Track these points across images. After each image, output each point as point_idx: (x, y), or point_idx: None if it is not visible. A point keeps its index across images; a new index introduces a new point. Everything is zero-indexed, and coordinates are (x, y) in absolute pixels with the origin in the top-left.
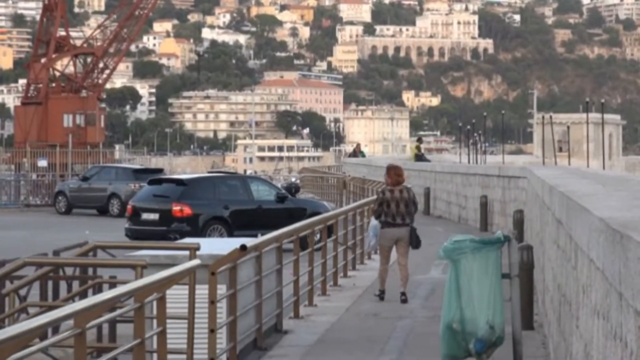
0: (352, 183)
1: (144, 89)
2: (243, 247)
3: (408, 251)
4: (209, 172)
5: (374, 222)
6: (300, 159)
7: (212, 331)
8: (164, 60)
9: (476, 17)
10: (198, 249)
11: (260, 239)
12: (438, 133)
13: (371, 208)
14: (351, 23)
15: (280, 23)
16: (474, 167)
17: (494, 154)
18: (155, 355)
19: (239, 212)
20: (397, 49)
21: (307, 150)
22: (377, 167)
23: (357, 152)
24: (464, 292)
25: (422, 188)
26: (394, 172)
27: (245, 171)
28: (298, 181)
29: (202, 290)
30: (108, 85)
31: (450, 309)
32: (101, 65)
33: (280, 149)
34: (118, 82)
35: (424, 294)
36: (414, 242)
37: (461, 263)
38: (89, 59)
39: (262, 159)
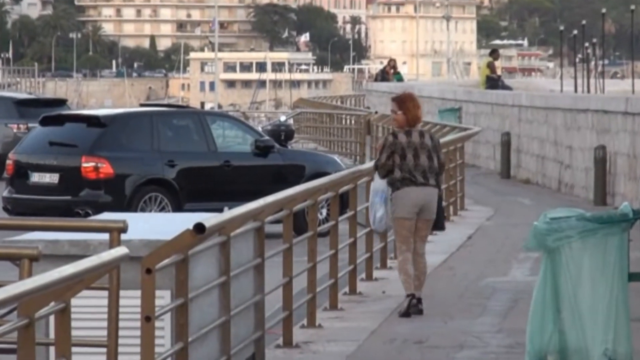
0: (380, 125)
1: None
2: (199, 229)
3: (429, 232)
4: (142, 106)
5: (378, 184)
6: (295, 84)
7: None
8: None
9: None
10: (124, 230)
11: (228, 214)
12: (525, 43)
13: (376, 162)
14: None
15: None
16: (585, 99)
17: (618, 77)
18: None
19: (192, 171)
20: None
21: (307, 71)
22: (422, 99)
23: (389, 74)
24: (566, 303)
25: (497, 133)
26: (411, 104)
27: (203, 105)
28: (291, 121)
29: (130, 300)
30: None
31: (543, 332)
32: None
33: (262, 67)
34: None
35: (499, 308)
36: (441, 217)
37: (562, 255)
38: None
39: (230, 84)
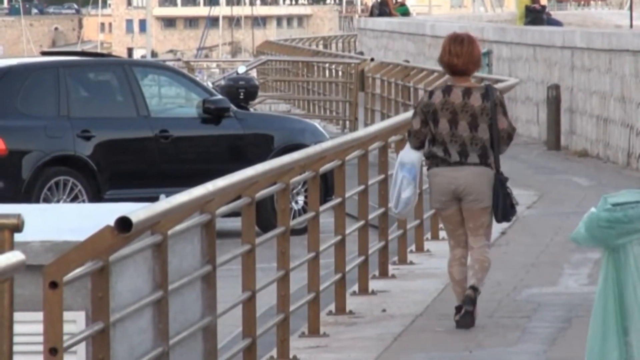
0: (379, 77)
1: None
2: (124, 225)
3: (487, 223)
4: (45, 54)
5: (407, 155)
6: (260, 22)
7: None
8: None
9: None
10: (19, 229)
11: (165, 205)
12: None
13: (409, 128)
14: None
15: None
16: None
17: None
18: None
19: (115, 145)
20: None
21: (275, 3)
22: (436, 40)
23: (390, 6)
24: (635, 321)
25: (542, 86)
26: (450, 47)
27: (131, 52)
28: (253, 74)
29: (29, 325)
30: None
31: (605, 358)
32: None
33: None
34: None
35: (546, 331)
36: (502, 205)
37: (629, 256)
38: None
39: (169, 23)
